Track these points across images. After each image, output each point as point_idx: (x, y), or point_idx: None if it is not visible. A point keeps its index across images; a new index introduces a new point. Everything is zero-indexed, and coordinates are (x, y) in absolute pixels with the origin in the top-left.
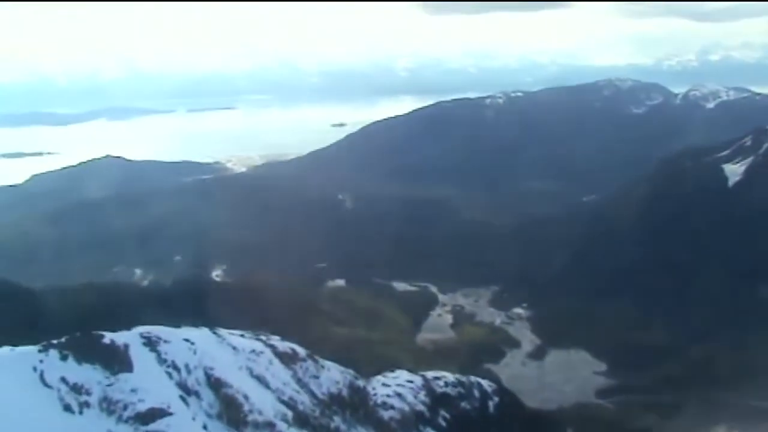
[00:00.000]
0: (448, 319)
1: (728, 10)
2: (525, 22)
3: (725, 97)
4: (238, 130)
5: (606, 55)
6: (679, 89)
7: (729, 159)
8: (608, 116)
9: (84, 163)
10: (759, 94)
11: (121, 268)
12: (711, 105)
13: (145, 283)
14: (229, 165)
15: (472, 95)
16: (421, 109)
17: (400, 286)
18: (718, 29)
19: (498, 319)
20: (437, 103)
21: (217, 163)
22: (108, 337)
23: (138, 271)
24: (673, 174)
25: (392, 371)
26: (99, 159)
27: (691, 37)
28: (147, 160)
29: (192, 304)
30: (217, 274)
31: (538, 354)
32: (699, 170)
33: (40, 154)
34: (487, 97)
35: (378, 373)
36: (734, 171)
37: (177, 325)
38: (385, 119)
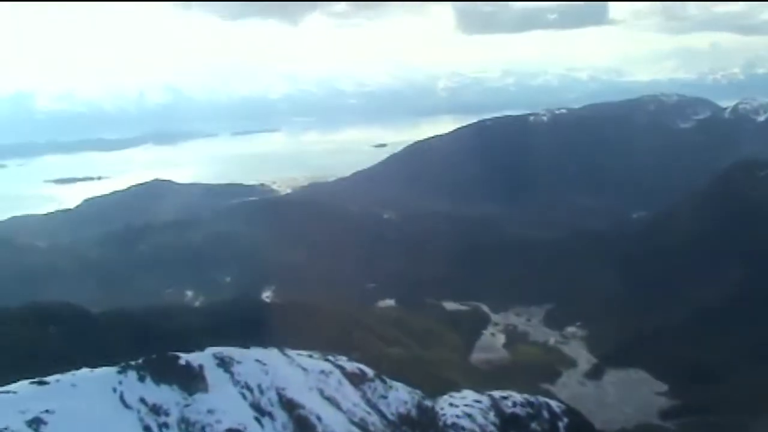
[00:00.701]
0: (501, 338)
1: None
2: (565, 39)
3: None
4: (282, 152)
5: (648, 70)
6: (725, 103)
7: None
8: (655, 131)
9: (133, 186)
10: None
11: (173, 289)
12: (762, 118)
13: (197, 304)
14: (274, 186)
15: (515, 113)
16: (464, 127)
17: (451, 305)
18: (764, 42)
19: (552, 338)
20: (480, 121)
21: (262, 184)
22: (183, 358)
23: (189, 293)
24: (727, 188)
25: (458, 391)
26: (148, 183)
27: (735, 50)
28: (194, 183)
29: (247, 325)
30: (267, 295)
31: (595, 374)
32: (753, 184)
33: (91, 179)
34: (531, 114)
35: (441, 393)
36: None
37: (246, 346)
38: (428, 138)
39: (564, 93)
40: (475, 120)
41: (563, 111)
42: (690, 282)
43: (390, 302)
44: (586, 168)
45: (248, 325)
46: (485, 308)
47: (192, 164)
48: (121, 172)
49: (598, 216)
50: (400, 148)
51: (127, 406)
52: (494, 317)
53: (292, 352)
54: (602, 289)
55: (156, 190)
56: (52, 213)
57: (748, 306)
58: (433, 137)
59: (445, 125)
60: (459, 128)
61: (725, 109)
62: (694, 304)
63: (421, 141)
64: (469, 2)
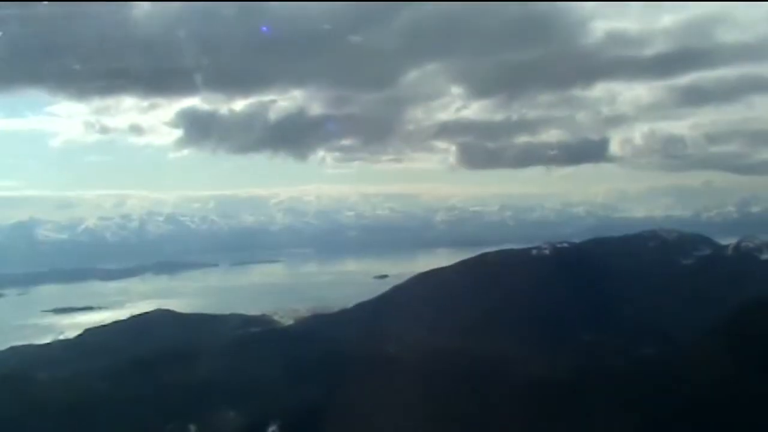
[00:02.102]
0: None
1: None
2: (563, 175)
3: None
4: (282, 283)
5: (643, 207)
6: (721, 241)
7: None
8: (657, 267)
9: (135, 317)
10: None
11: (175, 425)
12: (765, 256)
13: None
14: (275, 318)
15: (514, 246)
16: (466, 260)
17: None
18: (758, 182)
19: None
20: (483, 254)
21: (264, 315)
22: None
23: (192, 428)
24: (744, 327)
25: None
26: (149, 313)
27: (730, 189)
28: (196, 313)
29: None
30: (273, 430)
31: None
32: None
33: (91, 308)
34: (534, 248)
35: None
36: None
37: None
38: (431, 270)
39: (561, 228)
40: (473, 253)
41: (565, 245)
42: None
43: None
44: (590, 303)
45: None
46: None
47: (192, 295)
48: (120, 302)
49: (606, 353)
50: (400, 279)
51: None
52: None
53: None
54: (618, 429)
55: (157, 320)
56: (51, 343)
57: None
58: (436, 269)
59: (444, 258)
60: (462, 261)
61: (726, 246)
62: None
63: (424, 273)
64: (473, 139)
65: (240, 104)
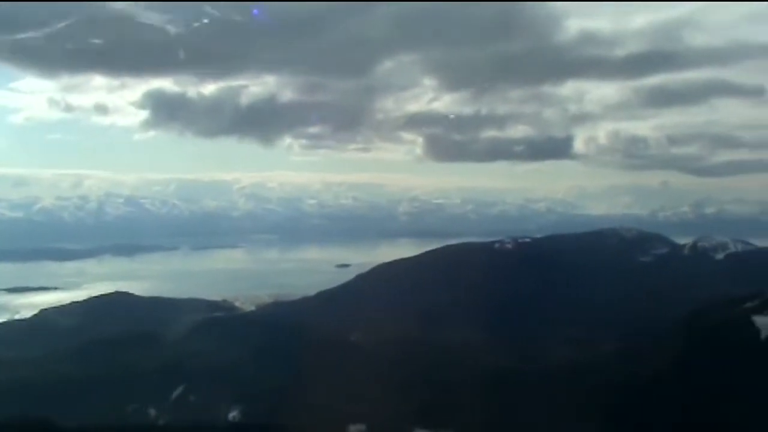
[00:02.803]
0: None
1: (728, 165)
2: (526, 170)
3: (733, 249)
4: (243, 269)
5: (602, 205)
6: (677, 240)
7: (758, 311)
8: (616, 264)
9: (93, 298)
10: (766, 247)
11: (135, 406)
12: (720, 256)
13: (160, 423)
14: (237, 304)
15: (478, 240)
16: (430, 251)
17: None
18: (713, 184)
19: None
20: (446, 246)
21: (225, 301)
22: None
23: (153, 411)
24: (704, 324)
25: None
26: (108, 294)
27: (687, 190)
28: (156, 297)
29: None
30: (233, 416)
31: None
32: (730, 321)
33: (46, 289)
34: (496, 241)
35: None
36: (765, 323)
37: None
38: (394, 260)
39: (522, 223)
40: (435, 244)
41: (527, 240)
42: (677, 419)
43: (361, 427)
44: (550, 297)
45: None
46: None
47: (152, 278)
48: (77, 283)
49: (566, 347)
50: (363, 269)
51: None
52: None
53: None
54: (588, 425)
55: (116, 302)
56: (5, 323)
57: None
58: (399, 260)
59: (406, 248)
60: (425, 252)
61: (683, 245)
62: None
63: (387, 263)
64: (441, 132)
65: (210, 88)
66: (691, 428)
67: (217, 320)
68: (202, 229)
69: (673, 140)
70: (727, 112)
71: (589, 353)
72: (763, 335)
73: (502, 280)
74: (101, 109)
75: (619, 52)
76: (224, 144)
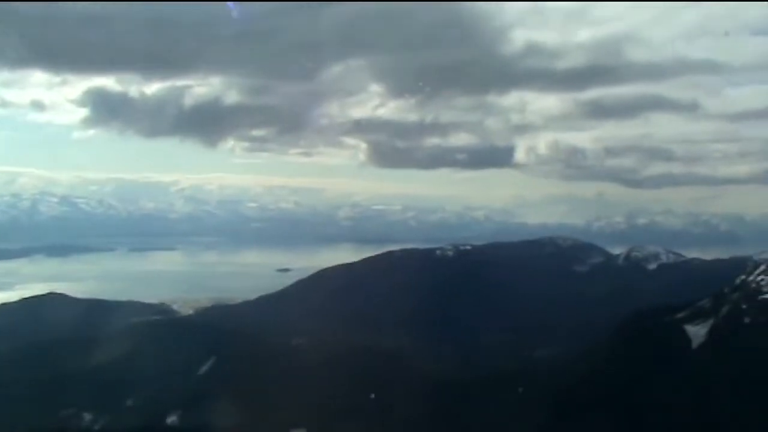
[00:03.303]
0: None
1: (660, 177)
2: (467, 179)
3: (665, 260)
4: (181, 272)
5: (538, 214)
6: (611, 250)
7: (688, 320)
8: (553, 273)
9: (26, 299)
10: (695, 258)
11: (70, 411)
12: (652, 266)
13: (97, 428)
14: (175, 307)
15: (416, 246)
16: (371, 257)
17: None
18: (645, 195)
19: None
20: (387, 252)
21: (162, 304)
22: None
23: (88, 416)
24: (636, 333)
25: None
26: (42, 296)
27: (620, 200)
28: (92, 299)
29: None
30: (172, 420)
31: None
32: (662, 331)
33: None
34: (437, 248)
35: None
36: (696, 333)
37: None
38: (336, 266)
39: (461, 231)
40: (375, 250)
41: (468, 247)
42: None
43: (302, 431)
44: (489, 304)
45: None
46: None
47: (87, 279)
48: (9, 283)
49: (503, 354)
50: (303, 273)
51: None
52: None
53: None
54: (517, 428)
55: (50, 304)
56: None
57: None
58: (340, 265)
59: (346, 254)
60: (367, 258)
61: (617, 255)
62: None
63: (329, 268)
64: (385, 138)
65: (154, 87)
66: None
67: (155, 323)
68: (139, 230)
69: (609, 152)
70: (662, 126)
71: (526, 360)
72: (694, 344)
73: (442, 287)
74: (38, 105)
75: (563, 64)
76: (164, 145)
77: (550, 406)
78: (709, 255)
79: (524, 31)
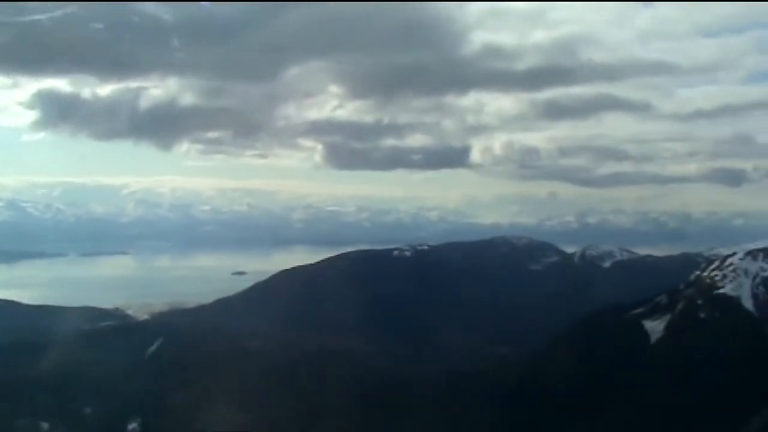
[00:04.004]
0: None
1: (611, 176)
2: (421, 179)
3: (618, 257)
4: (134, 276)
5: (491, 214)
6: (563, 249)
7: (646, 316)
8: (509, 272)
9: None
10: (648, 255)
11: (26, 421)
12: (607, 264)
13: None
14: (129, 312)
15: (371, 247)
16: (328, 259)
17: None
18: (596, 194)
19: None
20: (344, 254)
21: (117, 309)
22: None
23: (45, 425)
24: (592, 330)
25: None
26: None
27: (572, 200)
28: (43, 305)
29: None
30: (133, 428)
31: None
32: (620, 327)
33: None
34: (394, 249)
35: None
36: (654, 328)
37: None
38: (293, 268)
39: (415, 231)
40: (329, 252)
41: (425, 247)
42: (572, 424)
43: None
44: (447, 304)
45: None
46: None
47: (37, 285)
48: None
49: (463, 353)
50: (259, 276)
51: None
52: None
53: None
54: (478, 427)
55: (0, 311)
56: None
57: None
58: (297, 267)
59: (301, 256)
60: (324, 260)
61: (573, 254)
62: None
63: (285, 270)
64: (341, 140)
65: (107, 89)
66: (587, 430)
67: (110, 329)
68: (89, 234)
69: (563, 152)
70: (614, 126)
71: (486, 359)
72: (652, 339)
73: (400, 287)
74: None
75: (519, 65)
76: (116, 147)
77: (510, 404)
78: (658, 252)
79: (482, 32)
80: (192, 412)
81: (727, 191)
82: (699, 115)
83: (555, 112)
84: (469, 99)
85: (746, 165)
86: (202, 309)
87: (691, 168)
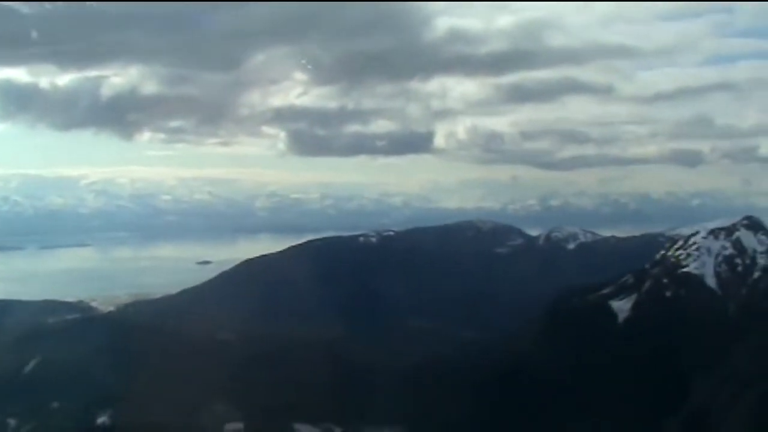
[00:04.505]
0: None
1: (573, 159)
2: (384, 165)
3: (583, 239)
4: (97, 268)
5: (455, 198)
6: (529, 232)
7: (613, 297)
8: (474, 256)
9: None
10: (611, 236)
11: None
12: (572, 246)
13: None
14: (93, 304)
15: (336, 234)
16: (295, 247)
17: (304, 428)
18: (559, 177)
19: None
20: (311, 241)
21: (81, 302)
22: None
23: (12, 421)
24: (564, 311)
25: None
26: None
27: (534, 183)
28: (4, 299)
29: None
30: (103, 421)
31: None
32: (588, 308)
33: None
34: (360, 235)
35: None
36: (621, 308)
37: None
38: (259, 256)
39: (379, 217)
40: (294, 239)
41: (391, 233)
42: (544, 405)
43: (238, 426)
44: (415, 289)
45: None
46: (339, 431)
47: None
48: None
49: (431, 338)
50: (225, 265)
51: None
52: None
53: None
54: (452, 414)
55: None
56: None
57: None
58: (264, 255)
59: (265, 244)
60: (290, 247)
61: (538, 236)
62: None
63: (252, 259)
64: (305, 126)
65: (67, 78)
66: (557, 411)
67: (74, 322)
68: (47, 227)
69: (526, 135)
70: (577, 109)
71: (454, 343)
72: (620, 319)
73: (368, 274)
74: None
75: (484, 50)
76: (74, 138)
77: (480, 387)
78: (620, 233)
79: (447, 18)
80: (161, 404)
81: (686, 172)
82: (659, 97)
83: (518, 95)
84: (434, 84)
85: (704, 146)
86: (168, 299)
87: (651, 150)
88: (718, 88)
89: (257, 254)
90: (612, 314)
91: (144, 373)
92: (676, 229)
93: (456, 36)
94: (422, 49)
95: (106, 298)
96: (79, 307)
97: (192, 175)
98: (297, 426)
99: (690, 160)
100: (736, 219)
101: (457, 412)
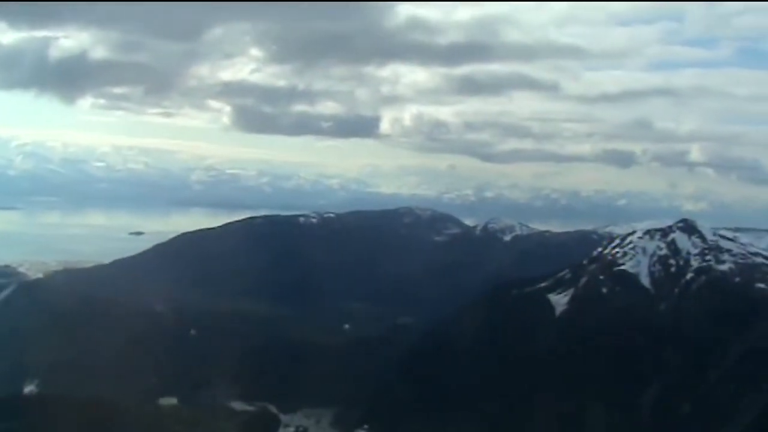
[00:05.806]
0: None
1: (511, 152)
2: (326, 147)
3: (518, 232)
4: (24, 233)
5: (392, 184)
6: (463, 221)
7: (550, 290)
8: (412, 242)
9: None
10: (546, 231)
11: None
12: (508, 238)
13: None
14: (22, 270)
15: (275, 212)
16: (233, 222)
17: (237, 405)
18: (496, 169)
19: None
20: (250, 218)
21: (8, 266)
22: None
23: None
24: (501, 301)
25: None
26: None
27: (471, 174)
28: None
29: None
30: (30, 390)
31: None
32: (526, 299)
33: None
34: (301, 215)
35: None
36: (558, 301)
37: None
38: (196, 230)
39: (315, 198)
40: (228, 215)
41: (331, 215)
42: (470, 389)
43: (172, 400)
44: (351, 272)
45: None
46: (273, 409)
47: None
48: None
49: (367, 320)
50: (159, 237)
51: None
52: (284, 418)
53: None
54: (385, 393)
55: None
56: None
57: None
58: (202, 230)
59: (199, 218)
60: (229, 223)
61: (475, 227)
62: (477, 410)
63: (188, 233)
64: (252, 103)
65: (12, 37)
66: (486, 397)
67: (1, 287)
68: None
69: (469, 126)
70: (521, 104)
71: (389, 327)
72: (557, 312)
73: (306, 254)
74: None
75: (440, 40)
76: (13, 98)
77: (418, 370)
78: (551, 227)
79: (409, 6)
80: (91, 372)
81: (617, 172)
82: (602, 98)
83: (468, 87)
84: (387, 70)
85: (636, 148)
86: (100, 268)
87: (587, 148)
88: (660, 93)
89: (190, 227)
90: (550, 307)
91: (74, 343)
92: (607, 227)
93: (415, 24)
94: (380, 35)
95: (34, 263)
96: (6, 271)
97: (128, 144)
98: (232, 404)
99: (622, 160)
100: (671, 221)
101: (389, 390)
